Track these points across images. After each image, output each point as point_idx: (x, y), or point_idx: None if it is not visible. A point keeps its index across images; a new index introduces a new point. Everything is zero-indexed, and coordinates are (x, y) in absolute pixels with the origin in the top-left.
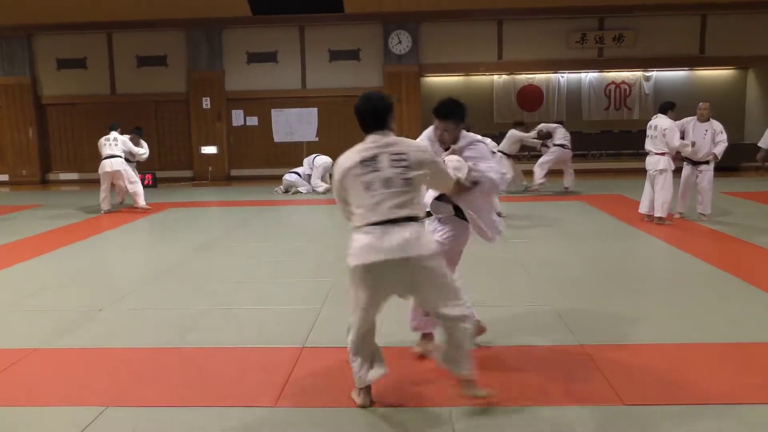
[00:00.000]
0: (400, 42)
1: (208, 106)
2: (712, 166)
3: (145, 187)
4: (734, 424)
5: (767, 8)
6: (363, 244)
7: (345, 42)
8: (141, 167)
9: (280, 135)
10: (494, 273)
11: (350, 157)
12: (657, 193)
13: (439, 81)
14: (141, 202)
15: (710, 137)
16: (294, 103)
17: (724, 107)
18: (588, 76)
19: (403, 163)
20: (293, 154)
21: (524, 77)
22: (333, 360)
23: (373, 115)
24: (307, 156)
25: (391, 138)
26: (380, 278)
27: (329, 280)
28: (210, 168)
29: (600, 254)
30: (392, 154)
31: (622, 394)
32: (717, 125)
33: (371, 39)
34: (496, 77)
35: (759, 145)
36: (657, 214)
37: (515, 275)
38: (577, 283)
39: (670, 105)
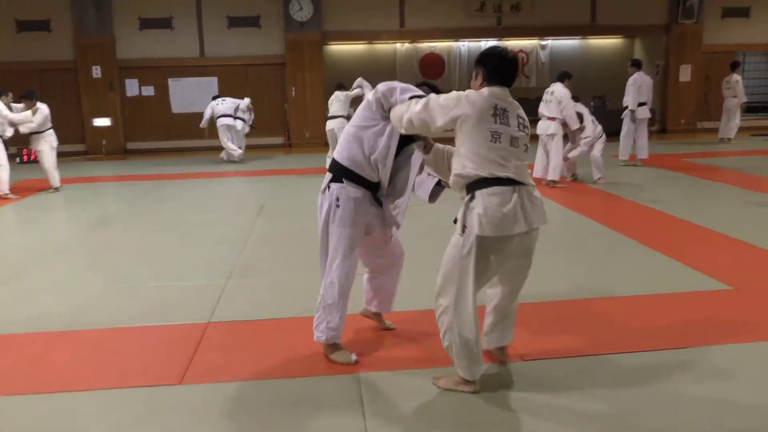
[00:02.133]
0: (301, 8)
1: (99, 75)
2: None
3: (29, 162)
4: (625, 371)
5: None
6: (494, 210)
7: (244, 8)
8: (23, 141)
9: (178, 105)
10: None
11: (481, 98)
12: (549, 157)
13: (343, 49)
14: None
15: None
16: (193, 72)
17: (614, 74)
18: (488, 44)
19: (526, 130)
20: (194, 125)
21: (426, 45)
22: (240, 334)
23: (514, 68)
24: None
25: (512, 99)
26: (508, 249)
27: (235, 252)
28: (104, 141)
29: None
30: (518, 116)
31: (522, 353)
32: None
33: (271, 5)
34: (399, 45)
35: None
36: (549, 177)
37: (422, 241)
38: None
39: (566, 75)
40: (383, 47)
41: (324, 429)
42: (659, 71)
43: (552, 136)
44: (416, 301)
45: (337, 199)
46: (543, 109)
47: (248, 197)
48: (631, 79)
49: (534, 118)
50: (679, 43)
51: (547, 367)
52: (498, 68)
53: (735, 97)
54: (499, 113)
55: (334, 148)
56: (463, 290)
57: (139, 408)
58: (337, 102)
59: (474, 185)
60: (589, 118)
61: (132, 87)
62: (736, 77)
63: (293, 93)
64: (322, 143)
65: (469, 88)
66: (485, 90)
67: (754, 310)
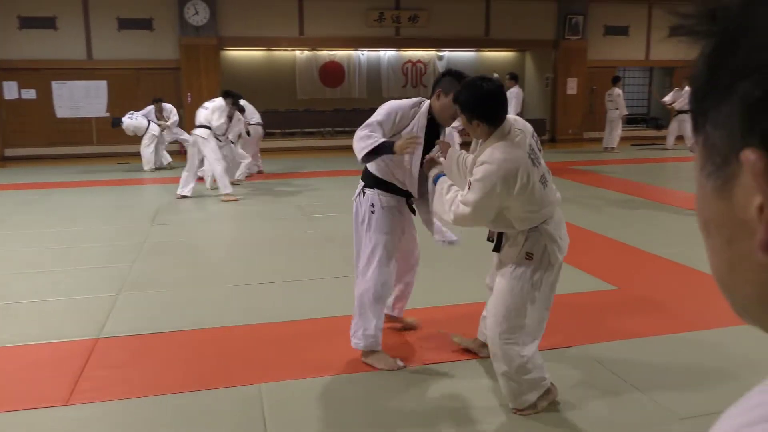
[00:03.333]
0: (197, 12)
1: None
2: None
3: None
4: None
5: None
6: (562, 236)
7: (135, 10)
8: None
9: (63, 110)
10: (302, 248)
11: (515, 151)
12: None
13: (241, 55)
14: None
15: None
16: (79, 75)
17: (507, 87)
18: (387, 54)
19: (540, 152)
20: (80, 131)
21: (326, 53)
22: (133, 349)
23: (504, 96)
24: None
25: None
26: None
27: (126, 265)
28: None
29: None
30: (533, 142)
31: (424, 356)
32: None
33: (165, 8)
34: (298, 53)
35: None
36: None
37: (322, 249)
38: None
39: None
40: (282, 54)
41: None
42: (548, 84)
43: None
44: (309, 310)
45: (372, 206)
46: None
47: (141, 206)
48: (513, 91)
49: None
50: (566, 57)
51: (431, 372)
52: (496, 105)
53: (617, 109)
54: (531, 156)
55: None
56: (522, 320)
57: (23, 429)
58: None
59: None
60: None
61: (11, 89)
62: (618, 90)
63: (189, 99)
64: None
65: (363, 97)
66: (498, 134)
67: (635, 308)
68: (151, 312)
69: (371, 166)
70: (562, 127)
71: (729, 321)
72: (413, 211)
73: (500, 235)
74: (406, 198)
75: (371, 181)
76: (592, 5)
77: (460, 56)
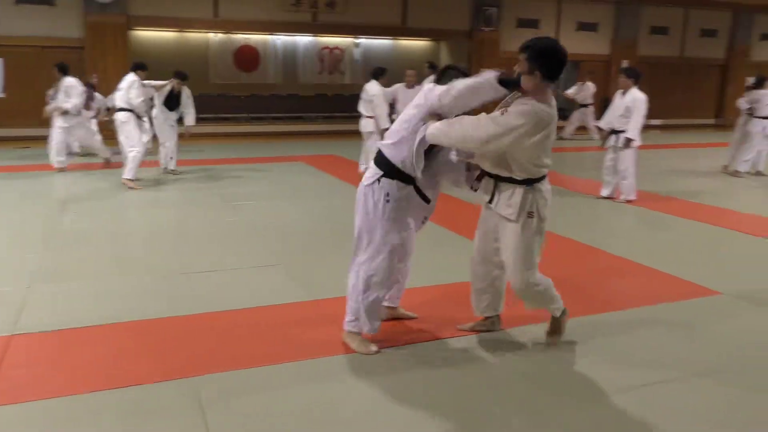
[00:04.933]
0: None
1: None
2: None
3: None
4: (452, 354)
5: None
6: (549, 196)
7: None
8: None
9: None
10: (225, 237)
11: (551, 110)
12: (368, 153)
13: (151, 35)
14: None
15: None
16: None
17: (423, 75)
18: (303, 40)
19: None
20: None
21: (241, 37)
22: (51, 346)
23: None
24: None
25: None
26: None
27: (35, 256)
28: None
29: (325, 212)
30: None
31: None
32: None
33: None
34: (212, 35)
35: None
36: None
37: (246, 237)
38: (309, 240)
39: (380, 71)
40: (195, 36)
41: None
42: None
43: (370, 133)
44: (257, 297)
45: (387, 194)
46: (361, 108)
47: (48, 193)
48: (433, 79)
49: (350, 114)
50: (480, 48)
51: (389, 355)
52: (560, 65)
53: None
54: None
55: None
56: (536, 261)
57: None
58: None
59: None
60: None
61: None
62: None
63: (95, 79)
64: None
65: (279, 82)
66: (545, 103)
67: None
68: (70, 305)
69: (392, 153)
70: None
71: (638, 303)
72: (427, 200)
73: (493, 191)
74: (415, 185)
75: (389, 169)
76: None
77: (377, 44)
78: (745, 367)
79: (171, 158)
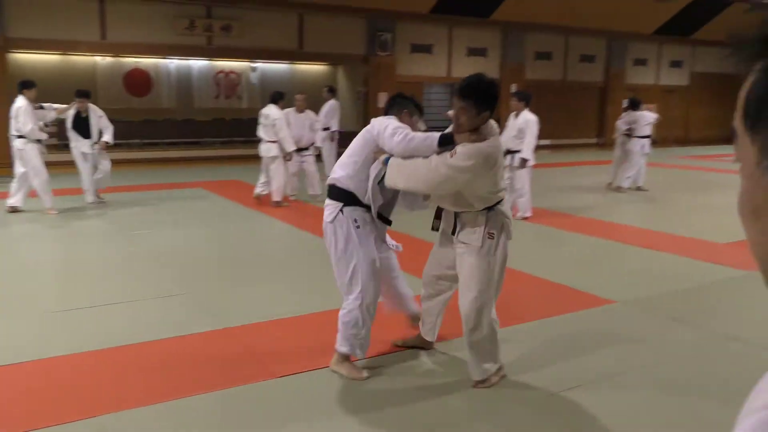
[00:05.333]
0: None
1: None
2: (312, 151)
3: None
4: (377, 371)
5: (353, 14)
6: (510, 215)
7: None
8: None
9: None
10: (124, 268)
11: (496, 140)
12: (272, 179)
13: (32, 58)
14: None
15: (308, 126)
16: None
17: (321, 98)
18: (198, 64)
19: None
20: None
21: (131, 60)
22: None
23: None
24: None
25: None
26: None
27: None
28: None
29: (228, 238)
30: None
31: (272, 367)
32: (312, 115)
33: None
34: (99, 59)
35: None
36: (274, 198)
37: (147, 267)
38: (211, 268)
39: (279, 95)
40: (81, 59)
41: None
42: (360, 97)
43: (273, 158)
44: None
45: (355, 220)
46: (261, 133)
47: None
48: (332, 104)
49: (248, 138)
50: (377, 72)
51: (303, 381)
52: (495, 101)
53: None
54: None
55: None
56: (492, 290)
57: None
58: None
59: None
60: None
61: None
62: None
63: None
64: (6, 163)
65: (173, 107)
66: (495, 126)
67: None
68: None
69: (349, 184)
70: None
71: (542, 315)
72: (388, 222)
73: (455, 222)
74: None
75: (349, 198)
76: (399, 24)
77: (274, 68)
78: (645, 368)
79: (87, 190)
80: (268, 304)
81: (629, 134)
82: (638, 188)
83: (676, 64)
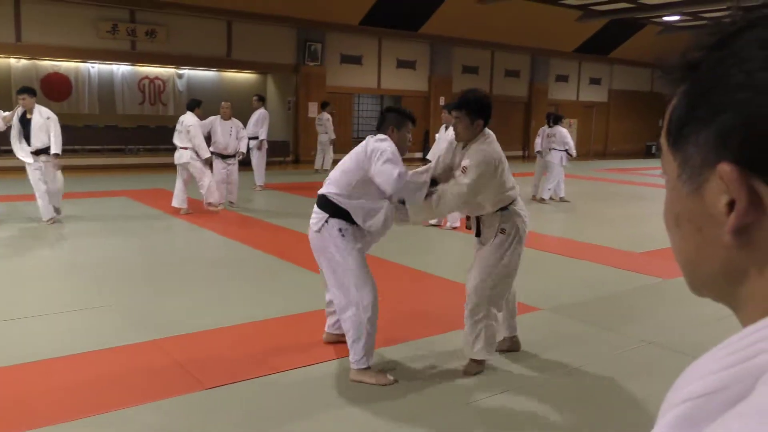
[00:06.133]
0: None
1: None
2: (237, 159)
3: None
4: (293, 383)
5: (282, 23)
6: (526, 214)
7: None
8: None
9: None
10: (45, 279)
11: (495, 145)
12: (200, 183)
13: None
14: None
15: (235, 133)
16: None
17: (250, 107)
18: (121, 69)
19: None
20: None
21: (49, 64)
22: None
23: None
24: None
25: None
26: None
27: None
28: None
29: (154, 248)
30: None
31: (202, 379)
32: (238, 123)
33: None
34: (13, 61)
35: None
36: (207, 200)
37: (67, 279)
38: (138, 279)
39: (195, 103)
40: None
41: None
42: (290, 107)
43: (185, 165)
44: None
45: (340, 230)
46: (176, 140)
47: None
48: (261, 112)
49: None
50: (307, 81)
51: (233, 392)
52: (490, 111)
53: (326, 133)
54: None
55: None
56: (500, 283)
57: None
58: None
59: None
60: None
61: None
62: (327, 115)
63: None
64: None
65: (95, 113)
66: (487, 143)
67: (415, 317)
68: None
69: (346, 204)
70: (305, 148)
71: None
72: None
73: (478, 222)
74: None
75: (336, 210)
76: (329, 34)
77: (202, 75)
78: (567, 372)
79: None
80: (193, 315)
81: (549, 147)
82: (561, 199)
83: (595, 81)
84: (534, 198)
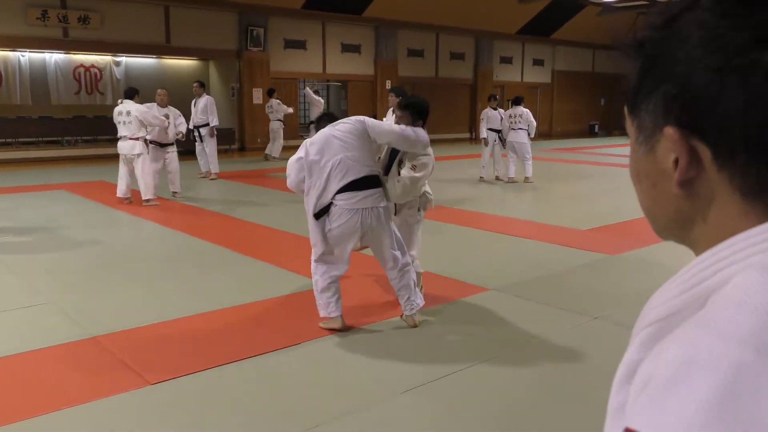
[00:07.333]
0: None
1: None
2: (175, 148)
3: None
4: (250, 375)
5: (223, 8)
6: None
7: None
8: None
9: None
10: None
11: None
12: (139, 177)
13: None
14: None
15: (172, 120)
16: None
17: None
18: (54, 57)
19: None
20: None
21: None
22: None
23: None
24: None
25: None
26: None
27: None
28: None
29: (94, 242)
30: None
31: (146, 375)
32: (174, 110)
33: None
34: None
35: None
36: (144, 196)
37: (7, 276)
38: (77, 275)
39: (134, 91)
40: None
41: None
42: (234, 93)
43: (138, 155)
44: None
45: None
46: (124, 130)
47: None
48: (208, 99)
49: (113, 136)
50: (250, 68)
51: (178, 386)
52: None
53: (279, 120)
54: None
55: None
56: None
57: None
58: None
59: None
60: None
61: None
62: (276, 101)
63: None
64: None
65: (28, 104)
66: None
67: (364, 301)
68: None
69: (381, 177)
70: (251, 136)
71: (424, 305)
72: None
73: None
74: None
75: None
76: (271, 19)
77: (141, 62)
78: (517, 350)
79: None
80: (135, 310)
81: (518, 128)
82: (509, 180)
83: (538, 62)
84: (482, 179)
